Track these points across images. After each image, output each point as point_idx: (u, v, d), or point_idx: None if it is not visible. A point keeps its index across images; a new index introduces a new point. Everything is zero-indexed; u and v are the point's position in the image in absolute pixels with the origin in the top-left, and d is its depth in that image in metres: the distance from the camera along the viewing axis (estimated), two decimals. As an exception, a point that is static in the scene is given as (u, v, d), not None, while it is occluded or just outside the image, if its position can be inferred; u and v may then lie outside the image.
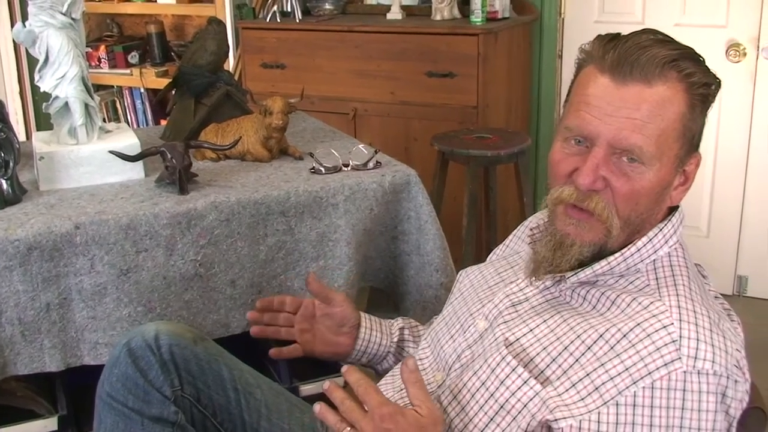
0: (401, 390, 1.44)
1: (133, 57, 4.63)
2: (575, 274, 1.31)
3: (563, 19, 3.80)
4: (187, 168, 1.96)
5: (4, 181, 1.88)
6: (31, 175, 2.06)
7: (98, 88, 4.47)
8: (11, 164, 1.89)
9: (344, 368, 1.27)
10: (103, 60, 4.61)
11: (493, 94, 3.47)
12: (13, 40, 4.12)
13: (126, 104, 4.71)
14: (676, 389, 1.14)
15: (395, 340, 1.74)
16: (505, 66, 3.57)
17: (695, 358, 1.15)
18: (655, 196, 1.26)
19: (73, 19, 2.00)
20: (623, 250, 1.29)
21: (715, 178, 3.62)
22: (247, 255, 1.93)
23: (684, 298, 1.23)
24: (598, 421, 1.16)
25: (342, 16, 3.96)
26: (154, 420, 1.46)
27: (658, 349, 1.16)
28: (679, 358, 1.15)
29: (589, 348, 1.22)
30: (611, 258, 1.29)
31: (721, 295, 1.39)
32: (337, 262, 2.01)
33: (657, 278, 1.28)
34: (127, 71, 4.59)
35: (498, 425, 1.25)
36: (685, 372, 1.14)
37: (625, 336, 1.20)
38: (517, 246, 1.60)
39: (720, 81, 1.28)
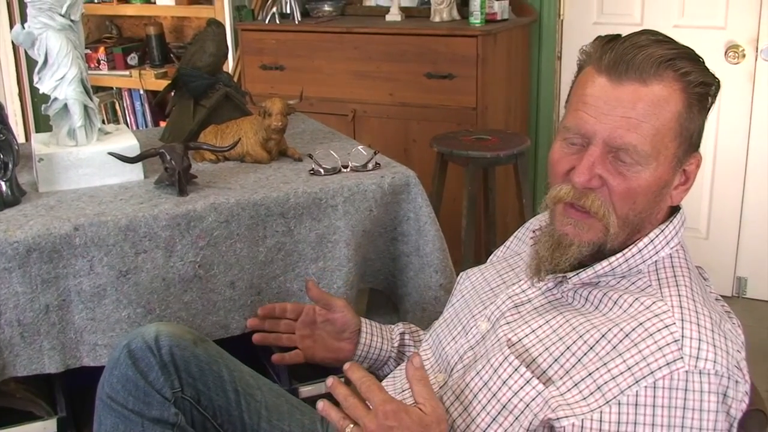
0: (403, 391, 1.45)
1: (133, 59, 4.63)
2: (577, 274, 1.31)
3: (562, 20, 3.80)
4: (186, 169, 1.95)
5: (3, 183, 1.88)
6: (30, 177, 2.06)
7: (97, 89, 4.47)
8: (10, 166, 1.89)
9: (346, 366, 1.28)
10: (102, 61, 4.61)
11: (492, 95, 3.47)
12: (13, 42, 4.12)
13: (125, 106, 4.71)
14: (678, 389, 1.14)
15: (396, 345, 1.74)
16: (504, 67, 3.57)
17: (697, 357, 1.15)
18: (652, 195, 1.27)
19: (72, 20, 2.00)
20: (624, 251, 1.29)
21: (715, 179, 3.63)
22: (247, 256, 1.93)
23: (686, 299, 1.23)
24: (600, 420, 1.16)
25: (341, 17, 3.96)
26: (154, 421, 1.46)
27: (660, 348, 1.17)
28: (681, 357, 1.15)
29: (591, 348, 1.22)
30: (612, 258, 1.29)
31: (721, 296, 1.39)
32: (337, 264, 2.01)
33: (659, 279, 1.28)
34: (127, 73, 4.59)
35: (500, 425, 1.26)
36: (686, 371, 1.14)
37: (627, 335, 1.20)
38: (517, 247, 1.60)
39: (719, 81, 1.28)
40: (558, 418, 1.19)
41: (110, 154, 1.98)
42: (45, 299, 1.76)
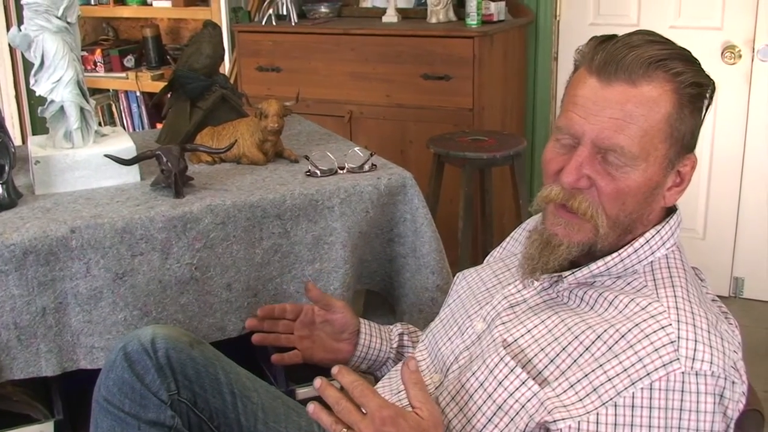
0: (399, 392, 1.44)
1: (129, 61, 4.63)
2: (572, 273, 1.32)
3: (558, 21, 3.80)
4: (182, 171, 1.95)
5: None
6: (26, 179, 2.06)
7: (94, 91, 4.47)
8: (7, 168, 1.89)
9: (335, 369, 1.25)
10: (98, 64, 4.60)
11: (489, 96, 3.47)
12: (9, 44, 4.12)
13: (122, 108, 4.71)
14: (674, 390, 1.14)
15: (395, 345, 1.75)
16: (500, 68, 3.57)
17: (693, 359, 1.15)
18: (642, 196, 1.27)
19: (68, 23, 2.00)
20: (620, 251, 1.29)
21: (711, 179, 3.63)
22: (243, 258, 1.93)
23: (682, 300, 1.23)
24: (597, 422, 1.16)
25: (337, 19, 3.96)
26: (150, 424, 1.46)
27: (656, 350, 1.17)
28: (678, 359, 1.15)
29: (587, 349, 1.22)
30: (608, 258, 1.29)
31: (717, 296, 1.39)
32: (333, 265, 2.01)
33: (654, 279, 1.28)
34: (123, 75, 4.58)
35: (496, 426, 1.25)
36: (683, 373, 1.14)
37: (623, 337, 1.20)
38: (513, 248, 1.60)
39: (714, 82, 1.28)
40: (554, 421, 1.19)
41: (107, 156, 1.98)
42: (41, 302, 1.76)
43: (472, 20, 3.44)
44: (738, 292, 3.72)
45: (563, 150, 1.29)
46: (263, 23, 3.86)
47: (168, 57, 4.62)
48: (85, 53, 4.47)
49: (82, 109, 2.03)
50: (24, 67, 4.61)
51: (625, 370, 1.17)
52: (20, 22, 2.07)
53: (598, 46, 1.27)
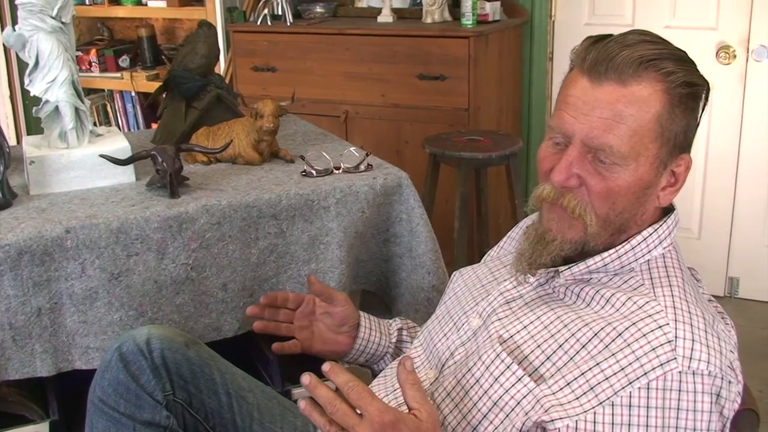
0: (395, 390, 1.44)
1: (124, 61, 4.63)
2: (569, 268, 1.32)
3: (554, 21, 3.81)
4: (178, 171, 1.95)
5: (-6, 186, 1.87)
6: (21, 180, 2.06)
7: (89, 92, 4.47)
8: (1, 168, 1.88)
9: (326, 367, 1.19)
10: (93, 64, 4.60)
11: (484, 96, 3.47)
12: (3, 44, 4.11)
13: (117, 108, 4.70)
14: (671, 389, 1.15)
15: (393, 340, 1.75)
16: (495, 68, 3.57)
17: (690, 358, 1.15)
18: (633, 196, 1.27)
19: (63, 22, 2.00)
20: (617, 247, 1.30)
21: (706, 179, 3.64)
22: (239, 258, 1.93)
23: (679, 299, 1.23)
24: (594, 422, 1.16)
25: (333, 19, 3.96)
26: (145, 425, 1.46)
27: (653, 349, 1.17)
28: (675, 358, 1.15)
29: (583, 346, 1.22)
30: (605, 254, 1.30)
31: (713, 296, 1.39)
32: (329, 265, 2.01)
33: (651, 278, 1.28)
34: (118, 75, 4.58)
35: (491, 422, 1.25)
36: (680, 372, 1.14)
37: (620, 335, 1.20)
38: (511, 247, 1.61)
39: (707, 82, 1.28)
40: (552, 420, 1.19)
41: (102, 156, 1.98)
42: (36, 302, 1.76)
43: (468, 20, 3.44)
44: (733, 292, 3.73)
45: (555, 149, 1.30)
46: (258, 23, 3.86)
47: (163, 57, 4.62)
48: (80, 53, 4.47)
49: (77, 109, 2.03)
50: (19, 67, 4.60)
51: (623, 369, 1.17)
52: (15, 22, 2.06)
53: (591, 46, 1.27)
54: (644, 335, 1.18)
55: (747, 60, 3.45)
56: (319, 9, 3.95)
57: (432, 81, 3.42)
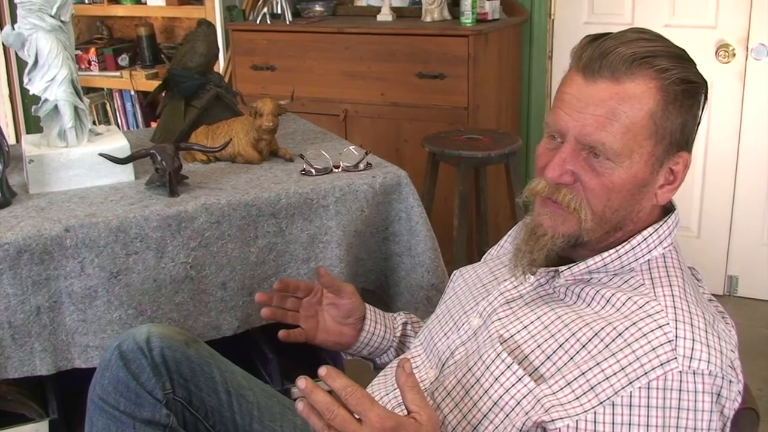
0: (395, 389, 1.44)
1: (123, 59, 4.62)
2: (569, 268, 1.32)
3: (553, 20, 3.80)
4: (177, 170, 1.95)
5: (-7, 184, 1.87)
6: (20, 178, 2.06)
7: (88, 90, 4.46)
8: (1, 167, 1.88)
9: (323, 371, 1.16)
10: (93, 62, 4.60)
11: (484, 95, 3.47)
12: (2, 43, 4.10)
13: (116, 107, 4.70)
14: (672, 389, 1.14)
15: (398, 334, 1.75)
16: (495, 67, 3.57)
17: (691, 358, 1.15)
18: (628, 192, 1.27)
19: (62, 21, 2.00)
20: (617, 248, 1.29)
21: (706, 178, 3.64)
22: (238, 257, 1.93)
23: (679, 299, 1.23)
24: (595, 422, 1.16)
25: (332, 17, 3.96)
26: (145, 423, 1.46)
27: (653, 348, 1.16)
28: (675, 358, 1.15)
29: (584, 346, 1.22)
30: (605, 254, 1.30)
31: (713, 295, 1.39)
32: (328, 264, 2.01)
33: (652, 278, 1.28)
34: (117, 74, 4.58)
35: (491, 422, 1.25)
36: (680, 372, 1.14)
37: (620, 335, 1.20)
38: (511, 246, 1.60)
39: (704, 79, 1.28)
40: (552, 420, 1.19)
41: (101, 155, 1.98)
42: (36, 301, 1.76)
43: (467, 19, 3.44)
44: (732, 291, 3.73)
45: (552, 146, 1.31)
46: (258, 22, 3.85)
47: (162, 56, 4.61)
48: (79, 52, 4.46)
49: (76, 108, 2.03)
50: (18, 66, 4.60)
51: (623, 368, 1.17)
52: (14, 20, 2.06)
53: (587, 45, 1.27)
54: (644, 335, 1.18)
55: (746, 58, 3.45)
56: (318, 8, 3.95)
57: (431, 80, 3.41)
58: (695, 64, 1.27)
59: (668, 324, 1.18)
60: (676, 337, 1.17)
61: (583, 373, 1.20)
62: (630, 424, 1.15)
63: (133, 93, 4.61)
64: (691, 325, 1.19)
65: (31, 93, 2.02)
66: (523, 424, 1.22)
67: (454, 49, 3.36)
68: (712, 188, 3.64)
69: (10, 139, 4.50)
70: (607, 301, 1.27)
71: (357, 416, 1.14)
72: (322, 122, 2.97)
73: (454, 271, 1.63)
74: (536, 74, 3.87)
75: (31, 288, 1.75)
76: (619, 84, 1.23)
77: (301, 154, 2.17)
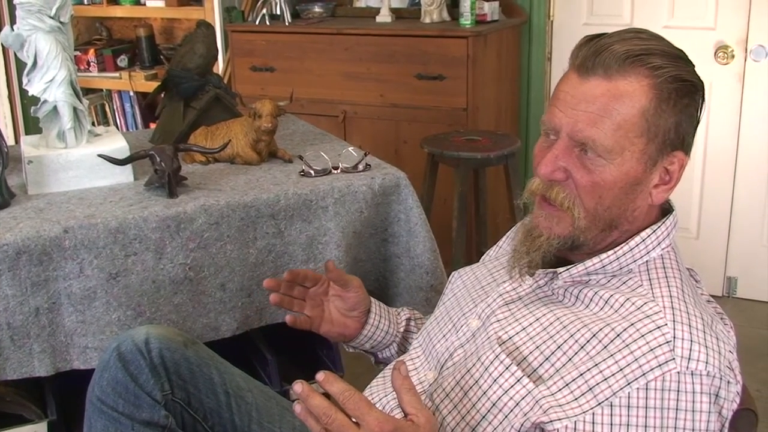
0: (393, 391, 1.44)
1: (122, 60, 4.62)
2: (567, 269, 1.32)
3: (552, 21, 3.81)
4: (176, 171, 1.95)
5: (-8, 185, 1.87)
6: (19, 179, 2.06)
7: (87, 91, 4.46)
8: (-1, 168, 1.89)
9: (320, 376, 1.15)
10: (92, 63, 4.60)
11: (483, 96, 3.47)
12: (1, 44, 4.10)
13: (115, 108, 4.70)
14: (670, 390, 1.15)
15: (401, 330, 1.75)
16: (494, 68, 3.58)
17: (689, 359, 1.15)
18: (620, 191, 1.27)
19: (61, 22, 2.00)
20: (616, 249, 1.29)
21: (705, 179, 3.64)
22: (237, 258, 1.93)
23: (677, 300, 1.23)
24: (593, 422, 1.16)
25: (331, 19, 3.96)
26: (144, 424, 1.46)
27: (652, 349, 1.17)
28: (673, 359, 1.15)
29: (582, 347, 1.22)
30: (603, 255, 1.30)
31: (711, 296, 1.39)
32: (328, 265, 2.01)
33: (650, 279, 1.28)
34: (116, 75, 4.58)
35: (490, 423, 1.25)
36: (678, 373, 1.14)
37: (618, 336, 1.20)
38: (509, 247, 1.60)
39: (700, 78, 1.27)
40: (551, 421, 1.19)
41: (100, 156, 1.98)
42: (35, 302, 1.76)
43: (466, 20, 3.44)
44: (731, 292, 3.73)
45: (547, 143, 1.31)
46: (257, 23, 3.85)
47: (161, 57, 4.61)
48: (78, 53, 4.46)
49: (75, 109, 2.03)
50: (17, 67, 4.60)
51: (621, 369, 1.17)
52: (13, 21, 2.06)
53: (584, 44, 1.28)
54: (643, 336, 1.18)
55: (745, 60, 3.45)
56: (317, 9, 3.95)
57: (430, 81, 3.42)
58: (693, 65, 1.27)
59: (666, 325, 1.18)
60: (674, 338, 1.17)
61: (581, 374, 1.20)
62: (628, 425, 1.15)
63: (132, 94, 4.61)
64: (689, 326, 1.19)
65: (30, 94, 2.02)
66: (522, 425, 1.22)
67: (453, 51, 3.36)
68: (711, 189, 3.64)
69: (9, 140, 4.50)
70: (606, 302, 1.27)
71: (355, 420, 1.13)
72: (321, 123, 2.98)
73: (453, 273, 1.63)
74: (535, 75, 3.87)
75: (30, 289, 1.75)
76: (611, 81, 1.23)
77: (300, 155, 2.17)
